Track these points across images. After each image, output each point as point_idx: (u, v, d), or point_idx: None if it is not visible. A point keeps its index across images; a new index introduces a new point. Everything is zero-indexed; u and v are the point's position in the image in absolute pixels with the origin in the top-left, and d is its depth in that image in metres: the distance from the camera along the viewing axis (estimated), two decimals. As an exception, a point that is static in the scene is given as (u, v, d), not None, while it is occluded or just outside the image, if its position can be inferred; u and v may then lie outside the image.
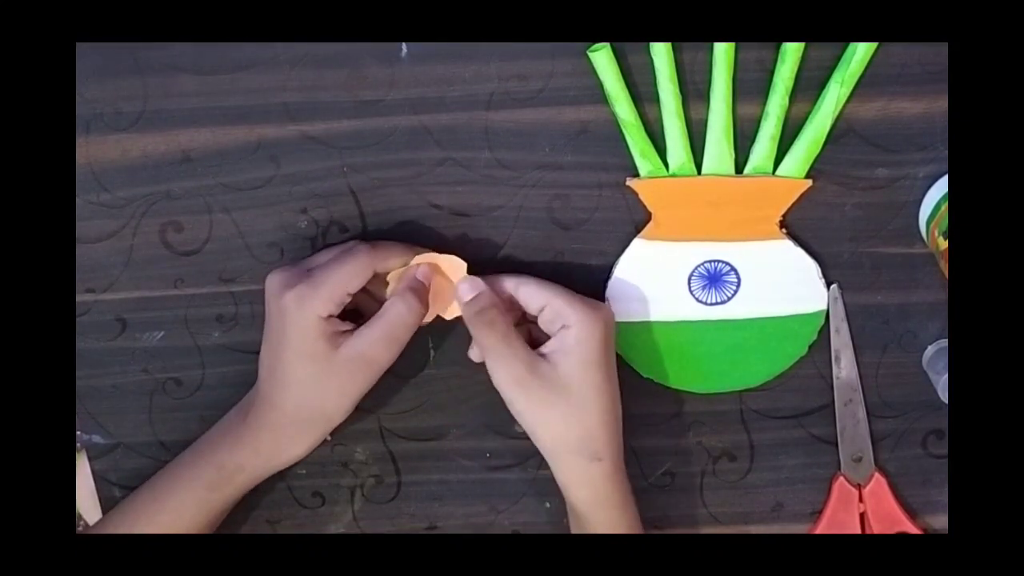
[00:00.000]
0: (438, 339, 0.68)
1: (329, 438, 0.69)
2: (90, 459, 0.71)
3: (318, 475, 0.71)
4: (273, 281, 0.61)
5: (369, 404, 0.69)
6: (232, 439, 0.64)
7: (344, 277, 0.59)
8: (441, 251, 0.63)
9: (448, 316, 0.63)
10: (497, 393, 0.69)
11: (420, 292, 0.61)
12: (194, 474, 0.64)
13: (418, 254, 0.63)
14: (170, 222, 0.64)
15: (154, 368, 0.68)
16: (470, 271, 0.62)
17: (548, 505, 0.72)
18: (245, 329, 0.67)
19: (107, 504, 0.72)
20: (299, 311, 0.59)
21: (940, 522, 0.73)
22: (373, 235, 0.65)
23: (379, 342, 0.60)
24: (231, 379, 0.68)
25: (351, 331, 0.61)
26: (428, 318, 0.63)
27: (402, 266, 0.62)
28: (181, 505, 0.63)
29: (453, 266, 0.62)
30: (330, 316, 0.60)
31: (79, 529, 0.73)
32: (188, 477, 0.64)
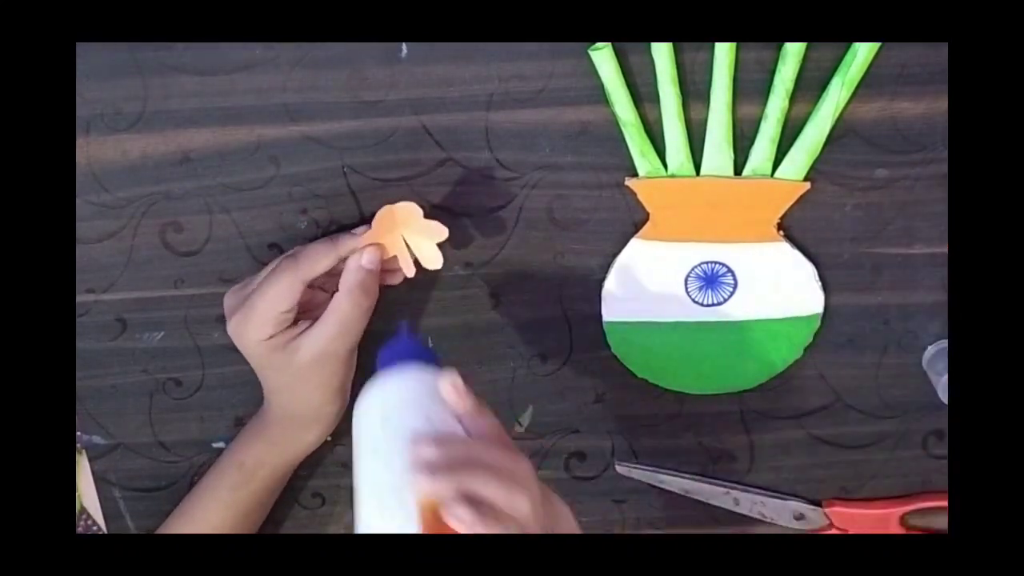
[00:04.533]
0: (438, 339, 0.68)
1: (329, 439, 0.69)
2: (90, 459, 0.71)
3: (318, 475, 0.71)
4: (226, 304, 0.64)
5: (369, 404, 0.69)
6: (249, 437, 0.66)
7: (271, 300, 0.60)
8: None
9: (425, 265, 0.62)
10: (497, 394, 0.69)
11: (366, 283, 0.60)
12: (216, 481, 0.66)
13: (345, 244, 0.60)
14: (170, 222, 0.64)
15: (154, 368, 0.68)
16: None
17: (548, 505, 0.72)
18: (245, 329, 0.67)
19: (107, 505, 0.72)
20: (241, 338, 0.62)
21: (940, 522, 0.73)
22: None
23: (334, 338, 0.61)
24: (231, 380, 0.68)
25: (307, 328, 0.61)
26: (395, 280, 0.62)
27: (333, 264, 0.60)
28: (206, 512, 0.65)
29: (408, 213, 0.61)
30: (271, 336, 0.60)
31: (90, 529, 0.73)
32: (211, 485, 0.66)
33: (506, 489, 0.49)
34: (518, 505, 0.49)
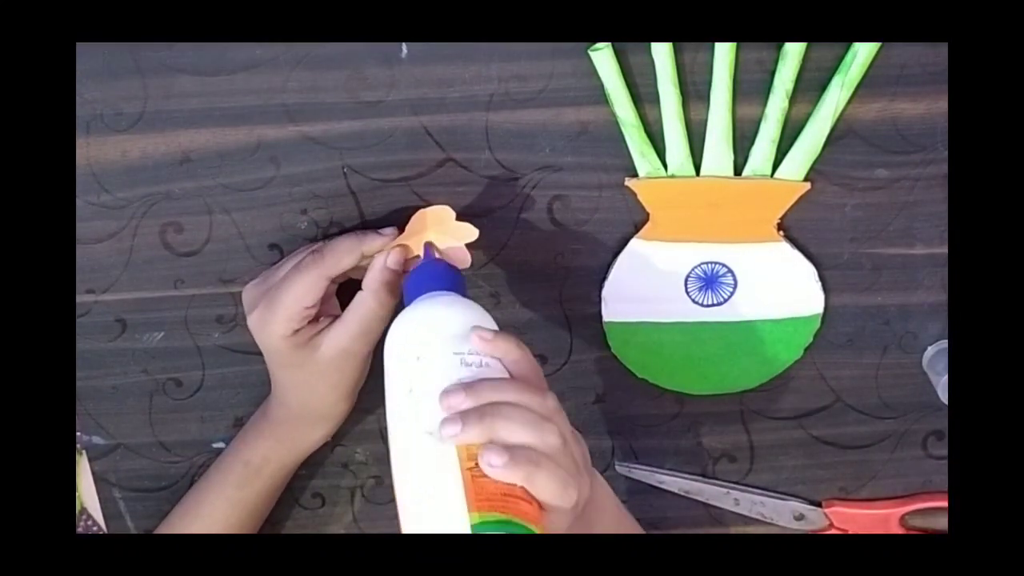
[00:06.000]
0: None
1: (329, 439, 0.69)
2: (90, 459, 0.71)
3: (318, 476, 0.71)
4: (245, 297, 0.63)
5: (369, 404, 0.69)
6: (254, 435, 0.66)
7: (296, 296, 0.60)
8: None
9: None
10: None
11: (391, 283, 0.60)
12: (221, 477, 0.66)
13: (371, 243, 0.60)
14: (170, 223, 0.64)
15: (154, 369, 0.68)
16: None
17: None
18: (245, 330, 0.66)
19: (107, 505, 0.72)
20: (262, 333, 0.61)
21: (940, 522, 0.72)
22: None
23: (356, 337, 0.61)
24: (231, 380, 0.68)
25: (329, 325, 0.61)
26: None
27: (357, 261, 0.60)
28: (213, 509, 0.65)
29: (440, 216, 0.61)
30: (295, 332, 0.60)
31: (90, 529, 0.73)
32: (216, 481, 0.66)
33: (535, 427, 0.50)
34: (549, 440, 0.50)
